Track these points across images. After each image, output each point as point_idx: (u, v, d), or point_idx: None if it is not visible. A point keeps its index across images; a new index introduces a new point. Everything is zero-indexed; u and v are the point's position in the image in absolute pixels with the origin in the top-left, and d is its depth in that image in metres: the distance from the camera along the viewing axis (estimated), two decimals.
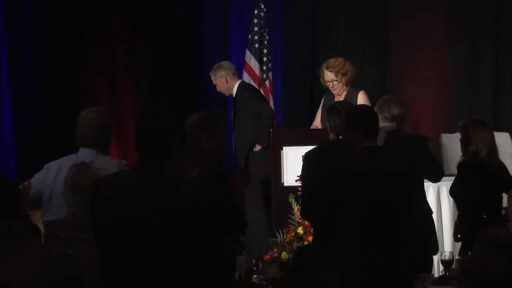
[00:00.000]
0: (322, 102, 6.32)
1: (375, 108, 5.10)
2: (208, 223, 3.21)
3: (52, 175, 3.99)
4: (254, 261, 5.03)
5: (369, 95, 6.11)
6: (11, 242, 2.82)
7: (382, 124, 5.01)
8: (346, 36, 7.91)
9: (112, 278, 3.14)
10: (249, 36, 7.01)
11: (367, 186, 3.89)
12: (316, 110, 6.41)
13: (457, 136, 5.51)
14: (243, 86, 6.39)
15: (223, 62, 6.60)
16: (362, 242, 3.60)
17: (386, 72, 7.94)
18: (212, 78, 6.45)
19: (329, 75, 6.00)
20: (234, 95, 6.37)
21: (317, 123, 6.28)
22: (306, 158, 4.96)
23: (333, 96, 6.13)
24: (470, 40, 7.78)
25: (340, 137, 4.52)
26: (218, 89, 6.45)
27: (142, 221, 3.03)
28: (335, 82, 5.97)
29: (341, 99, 6.00)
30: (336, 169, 4.19)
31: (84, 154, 4.10)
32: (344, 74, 5.98)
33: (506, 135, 6.63)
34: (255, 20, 6.98)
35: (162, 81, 7.90)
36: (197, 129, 4.25)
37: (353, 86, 6.07)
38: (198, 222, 3.12)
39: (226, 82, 6.31)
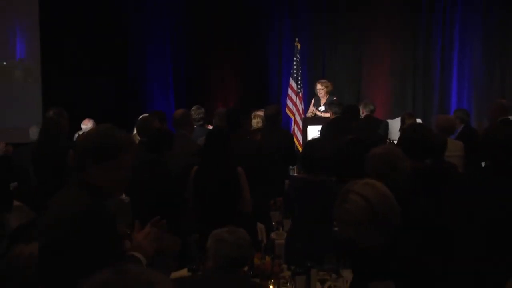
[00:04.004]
0: (313, 101, 8.73)
1: (360, 107, 7.30)
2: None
3: None
4: None
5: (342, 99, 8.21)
6: None
7: (366, 114, 7.46)
8: (339, 69, 10.63)
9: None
10: (291, 70, 9.48)
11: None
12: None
13: (396, 121, 7.72)
14: None
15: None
16: None
17: (359, 91, 10.59)
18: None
19: (319, 86, 8.57)
20: None
21: (310, 110, 8.58)
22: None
23: (319, 98, 8.51)
24: (400, 70, 10.43)
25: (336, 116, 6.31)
26: None
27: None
28: (322, 90, 8.51)
29: (324, 100, 8.43)
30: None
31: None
32: (326, 87, 8.52)
33: (419, 120, 8.06)
34: (294, 63, 9.43)
35: (243, 93, 10.54)
36: (276, 113, 5.94)
37: (331, 94, 8.47)
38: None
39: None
